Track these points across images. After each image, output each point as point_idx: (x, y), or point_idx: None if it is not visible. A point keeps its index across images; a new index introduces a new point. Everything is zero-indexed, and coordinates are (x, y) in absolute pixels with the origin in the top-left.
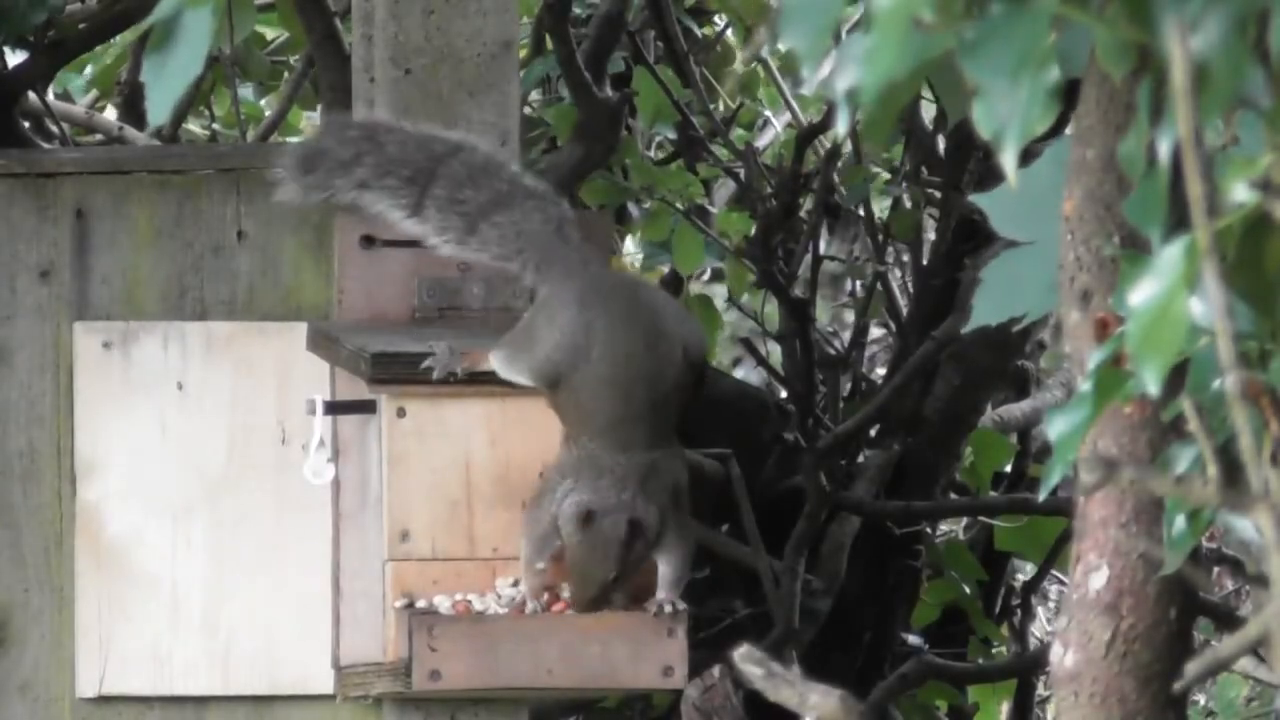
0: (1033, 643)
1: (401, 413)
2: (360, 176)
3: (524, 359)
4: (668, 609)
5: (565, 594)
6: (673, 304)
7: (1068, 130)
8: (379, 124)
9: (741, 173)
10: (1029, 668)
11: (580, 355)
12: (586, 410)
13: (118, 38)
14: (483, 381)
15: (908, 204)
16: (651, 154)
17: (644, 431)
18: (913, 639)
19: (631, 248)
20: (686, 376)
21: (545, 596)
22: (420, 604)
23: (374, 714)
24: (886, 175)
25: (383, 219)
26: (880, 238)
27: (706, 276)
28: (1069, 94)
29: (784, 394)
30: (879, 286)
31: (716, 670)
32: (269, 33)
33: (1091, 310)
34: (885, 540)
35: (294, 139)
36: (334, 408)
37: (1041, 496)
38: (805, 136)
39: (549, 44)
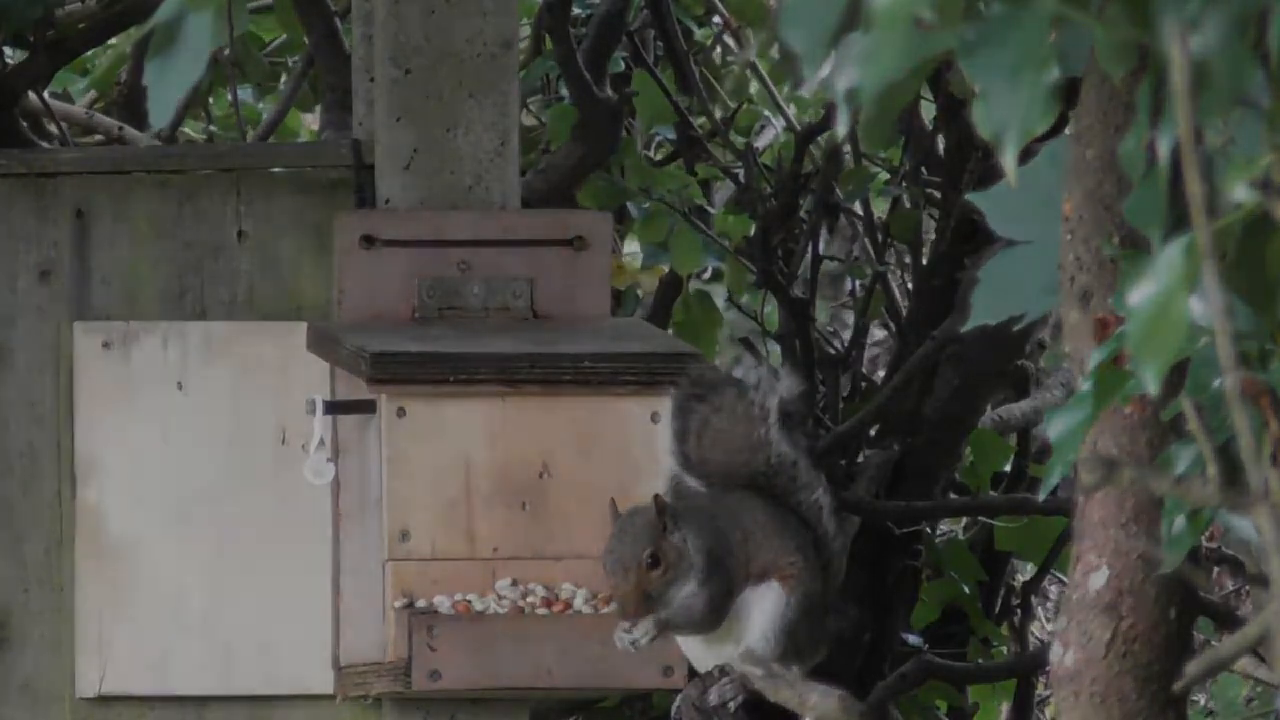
0: (1033, 643)
1: (401, 413)
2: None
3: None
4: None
5: (564, 594)
6: None
7: (1067, 130)
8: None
9: (740, 173)
10: (1029, 668)
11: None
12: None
13: (118, 38)
14: (481, 381)
15: (907, 204)
16: (651, 154)
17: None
18: (913, 639)
19: (631, 247)
20: None
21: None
22: (420, 604)
23: (374, 714)
24: (886, 175)
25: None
26: (880, 238)
27: (707, 275)
28: (1069, 94)
29: None
30: (879, 286)
31: (716, 670)
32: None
33: (1091, 310)
34: (885, 540)
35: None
36: (334, 408)
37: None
38: (805, 136)
39: (549, 44)
